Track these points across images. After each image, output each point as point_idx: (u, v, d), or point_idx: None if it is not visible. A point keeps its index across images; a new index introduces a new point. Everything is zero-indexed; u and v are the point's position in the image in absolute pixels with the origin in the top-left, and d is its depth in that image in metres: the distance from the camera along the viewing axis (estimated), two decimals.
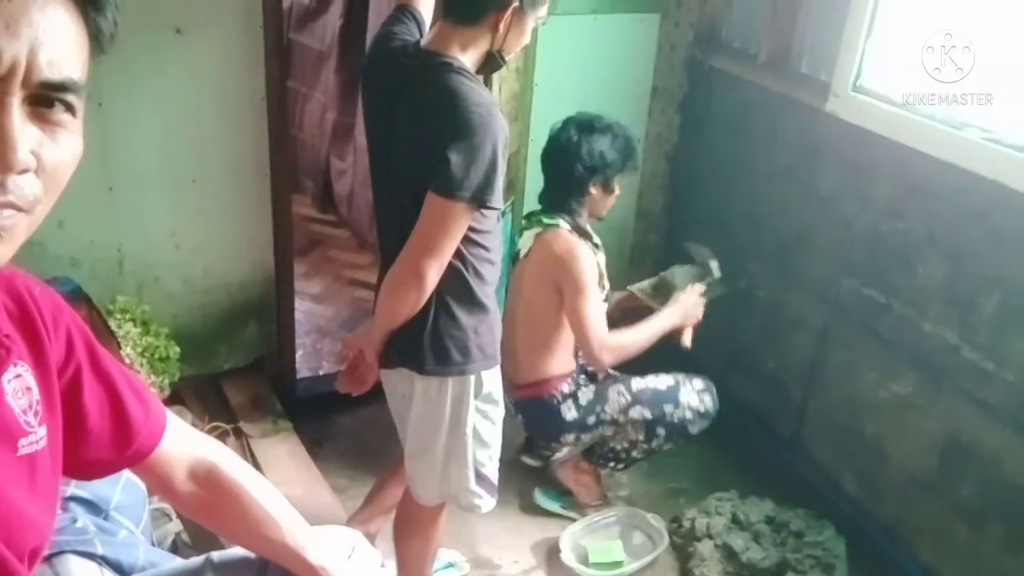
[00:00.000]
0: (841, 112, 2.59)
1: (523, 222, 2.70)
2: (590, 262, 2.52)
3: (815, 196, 2.81)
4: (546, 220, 2.57)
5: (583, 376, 2.68)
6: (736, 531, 2.66)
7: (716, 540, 2.63)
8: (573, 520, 2.78)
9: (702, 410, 2.66)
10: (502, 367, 2.66)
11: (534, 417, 2.71)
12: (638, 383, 2.65)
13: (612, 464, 2.79)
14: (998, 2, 2.26)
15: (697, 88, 3.27)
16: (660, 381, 2.67)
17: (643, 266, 3.16)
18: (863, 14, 2.47)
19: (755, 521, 2.68)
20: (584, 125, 2.54)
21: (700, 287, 2.71)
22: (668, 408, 2.63)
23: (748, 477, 2.89)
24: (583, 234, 2.59)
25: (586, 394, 2.63)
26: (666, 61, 3.27)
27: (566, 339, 2.61)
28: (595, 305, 2.50)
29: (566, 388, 2.63)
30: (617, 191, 2.61)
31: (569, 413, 2.62)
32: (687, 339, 2.66)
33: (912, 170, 2.44)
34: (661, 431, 2.65)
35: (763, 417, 3.10)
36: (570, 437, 2.70)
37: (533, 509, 2.85)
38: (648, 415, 2.63)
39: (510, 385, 2.66)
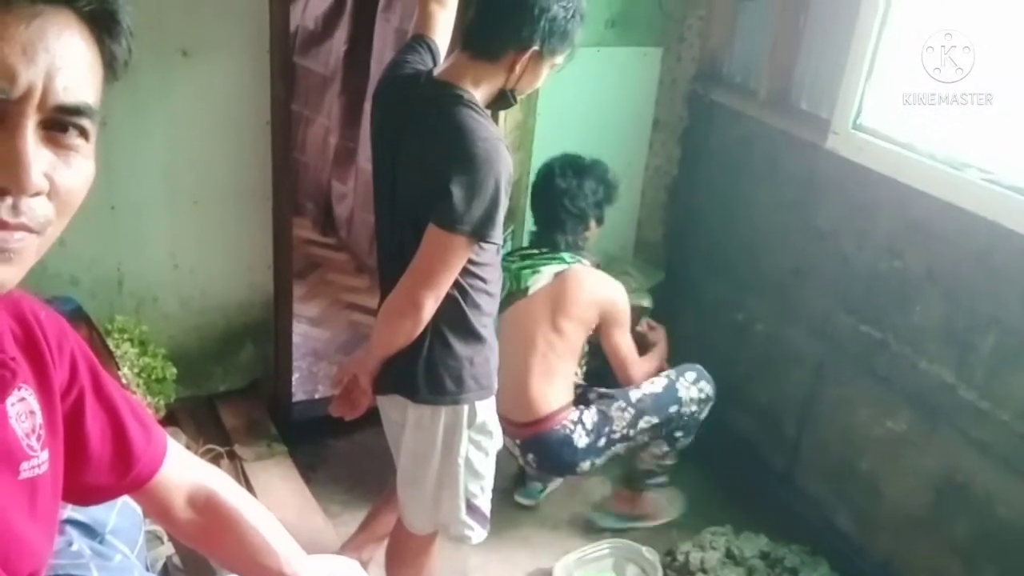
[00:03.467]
0: (841, 149, 2.60)
1: (524, 261, 2.71)
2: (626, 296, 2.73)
3: (814, 231, 2.82)
4: (568, 259, 2.67)
5: (580, 403, 2.70)
6: (730, 566, 2.64)
7: (710, 575, 2.61)
8: (636, 531, 2.82)
9: (703, 397, 2.76)
10: (504, 412, 2.68)
11: (548, 452, 2.70)
12: (635, 393, 2.70)
13: (654, 481, 2.87)
14: (998, 2, 2.25)
15: (698, 122, 3.30)
16: (655, 385, 2.73)
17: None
18: (864, 54, 2.49)
19: (749, 556, 2.66)
20: (575, 167, 2.70)
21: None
22: (673, 409, 2.70)
23: (742, 511, 2.88)
24: (598, 269, 2.74)
25: (590, 416, 2.66)
26: (667, 94, 3.30)
27: (572, 368, 2.72)
28: (630, 335, 2.75)
29: (573, 416, 2.66)
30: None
31: (581, 440, 2.64)
32: None
33: (911, 209, 2.46)
34: (679, 433, 2.75)
35: (757, 450, 3.10)
36: (586, 465, 2.70)
37: (526, 539, 2.83)
38: (656, 420, 2.69)
39: (515, 428, 2.66)
